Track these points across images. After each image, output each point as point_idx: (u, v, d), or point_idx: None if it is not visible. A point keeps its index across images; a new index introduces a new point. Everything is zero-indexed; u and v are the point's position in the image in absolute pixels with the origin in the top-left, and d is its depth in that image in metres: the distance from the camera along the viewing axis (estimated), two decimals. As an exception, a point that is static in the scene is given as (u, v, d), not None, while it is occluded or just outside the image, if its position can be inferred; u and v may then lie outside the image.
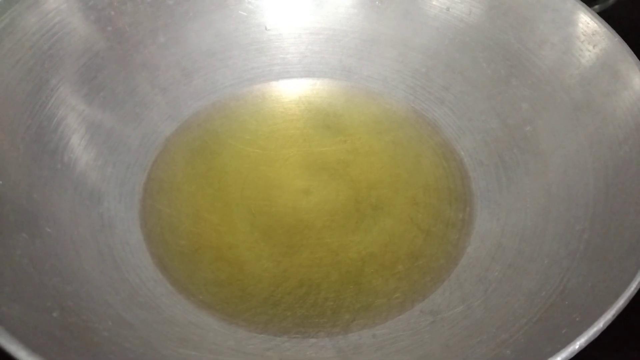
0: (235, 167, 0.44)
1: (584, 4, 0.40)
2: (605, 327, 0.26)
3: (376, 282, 0.38)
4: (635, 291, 0.27)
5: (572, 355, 0.26)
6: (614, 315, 0.26)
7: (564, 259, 0.34)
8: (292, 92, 0.50)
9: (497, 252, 0.38)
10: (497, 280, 0.36)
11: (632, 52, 0.37)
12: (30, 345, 0.25)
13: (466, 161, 0.44)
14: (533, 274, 0.35)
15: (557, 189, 0.38)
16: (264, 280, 0.38)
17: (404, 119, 0.47)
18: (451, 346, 0.33)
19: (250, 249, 0.39)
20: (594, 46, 0.39)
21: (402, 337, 0.35)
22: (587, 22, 0.40)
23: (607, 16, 0.40)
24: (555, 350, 0.26)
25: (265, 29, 0.49)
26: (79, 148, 0.40)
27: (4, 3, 0.39)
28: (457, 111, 0.46)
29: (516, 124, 0.43)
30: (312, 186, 0.43)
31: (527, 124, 0.42)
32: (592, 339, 0.26)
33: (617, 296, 0.27)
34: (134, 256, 0.38)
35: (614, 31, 0.39)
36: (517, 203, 0.40)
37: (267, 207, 0.42)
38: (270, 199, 0.42)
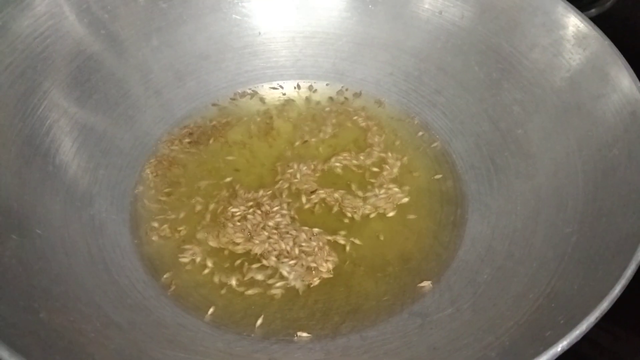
0: (228, 169, 0.44)
1: (574, 7, 0.40)
2: (587, 330, 0.26)
3: (366, 284, 0.38)
4: (619, 294, 0.27)
5: (554, 358, 0.26)
6: (597, 318, 0.26)
7: (552, 262, 0.34)
8: (285, 95, 0.50)
9: (487, 254, 0.38)
10: (486, 282, 0.36)
11: (622, 55, 0.37)
12: (13, 345, 0.25)
13: (458, 164, 0.44)
14: (522, 276, 0.35)
15: (547, 191, 0.38)
16: (254, 282, 0.38)
17: (396, 121, 0.48)
18: (438, 348, 0.33)
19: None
20: (584, 49, 0.39)
21: (390, 339, 0.35)
22: (578, 25, 0.40)
23: (604, 19, 0.40)
24: (538, 353, 0.26)
25: (259, 33, 0.50)
26: (71, 151, 0.41)
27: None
28: (449, 114, 0.46)
29: (508, 127, 0.43)
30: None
31: (519, 127, 0.42)
32: (575, 341, 0.26)
33: (600, 299, 0.27)
34: (124, 258, 0.38)
35: (603, 34, 0.39)
36: (507, 205, 0.40)
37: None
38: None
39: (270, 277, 0.38)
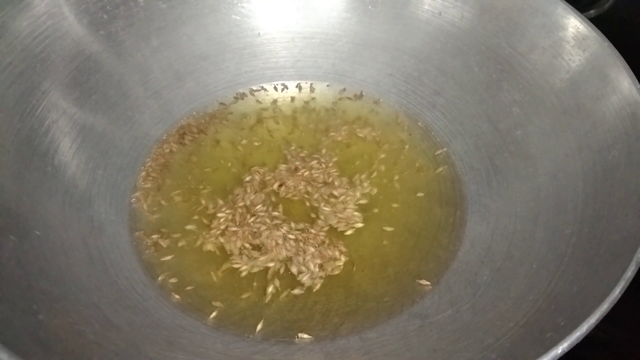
0: (227, 169, 0.44)
1: (574, 9, 0.40)
2: (588, 332, 0.26)
3: (366, 285, 0.38)
4: (619, 296, 0.27)
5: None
6: (597, 320, 0.26)
7: (551, 263, 0.34)
8: (285, 95, 0.50)
9: (486, 256, 0.38)
10: (486, 284, 0.36)
11: (621, 57, 0.37)
12: (12, 347, 0.25)
13: (457, 165, 0.44)
14: (521, 278, 0.35)
15: (547, 193, 0.38)
16: (254, 282, 0.38)
17: (396, 122, 0.48)
18: (438, 350, 0.33)
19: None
20: (583, 50, 0.39)
21: (390, 341, 0.35)
22: (577, 27, 0.40)
23: (603, 21, 0.40)
24: (538, 355, 0.26)
25: (259, 34, 0.50)
26: (70, 151, 0.41)
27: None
28: (448, 115, 0.46)
29: (507, 128, 0.43)
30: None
31: (518, 128, 0.42)
32: (575, 343, 0.26)
33: (601, 300, 0.27)
34: (124, 259, 0.38)
35: (603, 36, 0.38)
36: (507, 207, 0.40)
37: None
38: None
39: (298, 274, 0.39)
